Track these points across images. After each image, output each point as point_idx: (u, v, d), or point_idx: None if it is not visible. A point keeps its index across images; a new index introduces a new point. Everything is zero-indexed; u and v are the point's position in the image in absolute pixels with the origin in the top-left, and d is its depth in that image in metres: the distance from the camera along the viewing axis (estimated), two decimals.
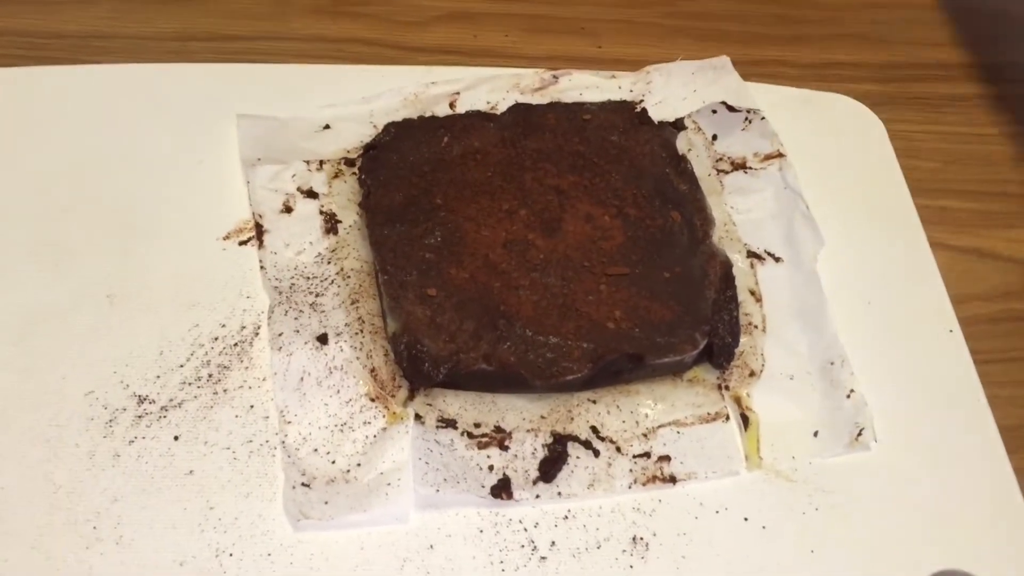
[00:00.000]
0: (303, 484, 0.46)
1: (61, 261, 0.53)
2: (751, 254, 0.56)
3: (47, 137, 0.58)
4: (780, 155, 0.60)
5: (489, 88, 0.63)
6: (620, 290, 0.51)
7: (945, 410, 0.52)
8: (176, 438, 0.47)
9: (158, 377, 0.49)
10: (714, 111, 0.61)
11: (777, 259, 0.56)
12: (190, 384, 0.49)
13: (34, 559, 0.43)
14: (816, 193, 0.58)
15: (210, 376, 0.50)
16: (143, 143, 0.59)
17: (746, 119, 0.61)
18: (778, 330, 0.53)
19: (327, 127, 0.60)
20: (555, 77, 0.64)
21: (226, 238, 0.55)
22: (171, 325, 0.51)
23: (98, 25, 0.67)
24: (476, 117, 0.59)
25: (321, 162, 0.58)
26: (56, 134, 0.58)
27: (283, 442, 0.48)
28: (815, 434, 0.50)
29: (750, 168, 0.60)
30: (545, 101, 0.62)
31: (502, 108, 0.61)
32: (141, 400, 0.48)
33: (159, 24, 0.67)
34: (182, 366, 0.50)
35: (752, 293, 0.55)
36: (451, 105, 0.62)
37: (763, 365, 0.52)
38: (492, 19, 0.71)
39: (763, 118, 0.60)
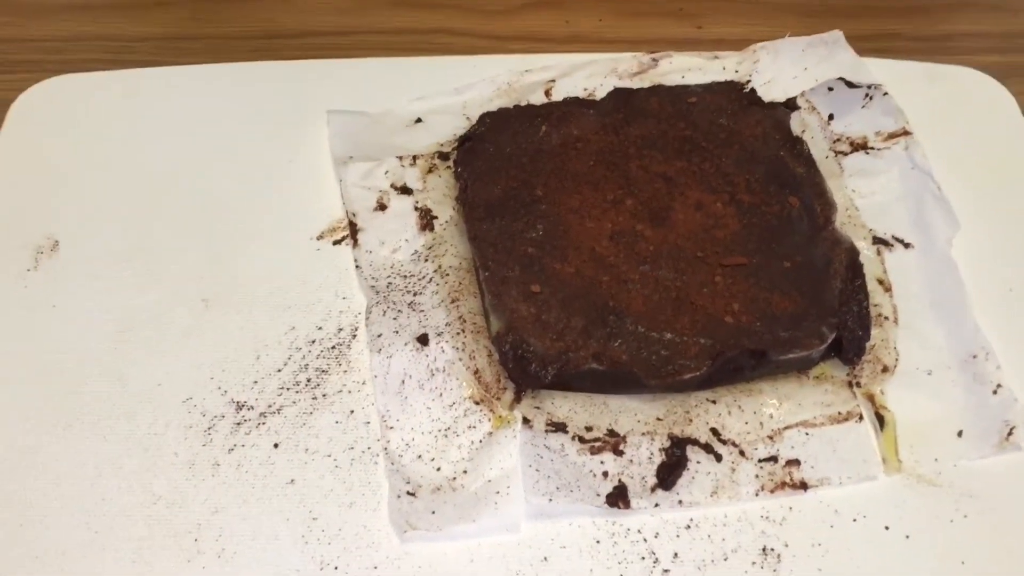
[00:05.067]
0: (408, 493, 0.44)
1: (154, 265, 0.52)
2: (877, 240, 0.52)
3: (136, 140, 0.57)
4: (906, 133, 0.55)
5: (586, 74, 0.60)
6: (737, 281, 0.48)
7: None
8: (276, 445, 0.46)
9: (255, 383, 0.48)
10: (830, 88, 0.57)
11: (907, 245, 0.52)
12: (288, 389, 0.47)
13: (136, 573, 0.42)
14: (946, 172, 0.54)
15: (308, 381, 0.48)
16: (232, 143, 0.57)
17: (866, 95, 0.57)
18: (912, 322, 0.49)
19: (419, 121, 0.58)
20: (655, 60, 0.61)
21: (319, 238, 0.53)
22: (267, 328, 0.49)
23: (182, 27, 0.66)
24: (574, 104, 0.56)
25: (414, 157, 0.56)
26: (145, 137, 0.57)
27: (385, 449, 0.45)
28: (959, 434, 0.46)
29: (872, 148, 0.55)
30: (645, 85, 0.58)
31: (600, 95, 0.58)
32: (239, 407, 0.47)
33: (241, 24, 0.66)
34: (279, 371, 0.48)
35: (880, 282, 0.51)
36: (547, 93, 0.59)
37: (897, 360, 0.48)
38: (583, 4, 0.68)
39: (885, 94, 0.56)
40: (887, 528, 0.44)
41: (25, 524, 0.43)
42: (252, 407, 0.47)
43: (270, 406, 0.47)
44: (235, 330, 0.49)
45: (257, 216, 0.54)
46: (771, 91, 0.58)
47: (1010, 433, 0.45)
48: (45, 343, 0.49)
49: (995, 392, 0.46)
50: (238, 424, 0.46)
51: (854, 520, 0.44)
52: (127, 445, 0.45)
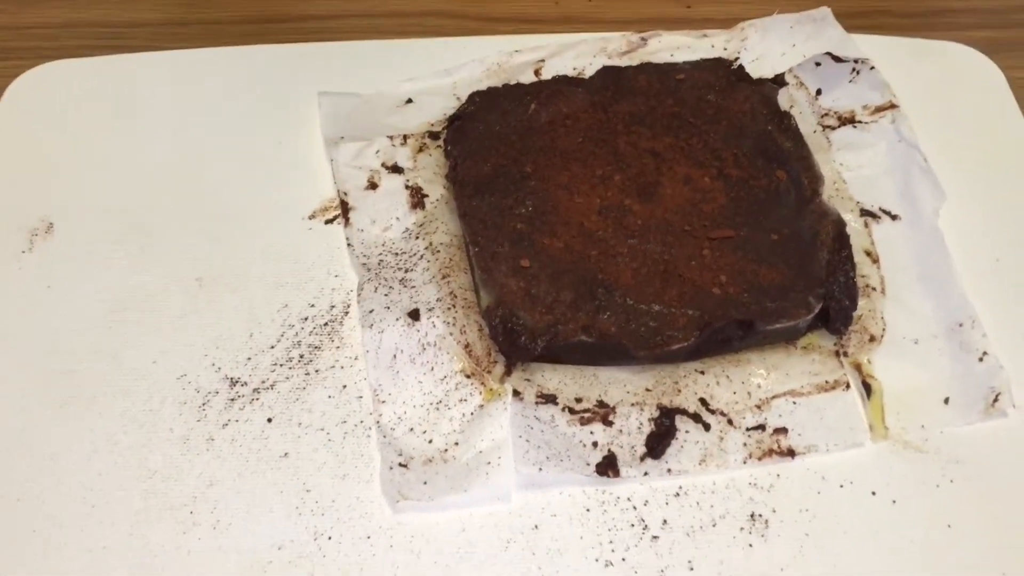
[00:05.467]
0: (400, 465, 0.44)
1: (148, 246, 0.52)
2: (865, 212, 0.53)
3: (130, 124, 0.58)
4: (893, 106, 0.56)
5: (575, 54, 0.61)
6: (725, 254, 0.48)
7: None
8: (269, 420, 0.46)
9: (249, 359, 0.48)
10: (817, 64, 0.57)
11: (894, 217, 0.52)
12: (281, 365, 0.48)
13: (132, 545, 0.42)
14: (933, 146, 0.54)
15: (301, 357, 0.48)
16: (225, 126, 0.58)
17: (853, 70, 0.57)
18: (899, 292, 0.50)
19: (409, 101, 0.58)
20: (643, 39, 0.61)
21: (311, 217, 0.54)
22: (260, 306, 0.50)
23: (175, 12, 0.66)
24: (563, 83, 0.57)
25: (405, 137, 0.56)
26: (139, 121, 0.58)
27: (378, 422, 0.46)
28: (945, 401, 0.46)
29: (859, 122, 0.56)
30: (634, 64, 0.59)
31: (589, 74, 0.58)
32: (233, 383, 0.47)
33: (235, 9, 0.67)
34: (272, 347, 0.48)
35: (868, 254, 0.51)
36: (536, 73, 0.60)
37: (884, 329, 0.49)
38: None
39: (872, 68, 0.56)
40: (874, 493, 0.44)
41: (23, 499, 0.44)
42: (246, 383, 0.47)
43: (263, 382, 0.47)
44: (229, 308, 0.50)
45: (250, 197, 0.54)
46: (760, 68, 0.59)
47: (996, 400, 0.46)
48: (40, 323, 0.49)
49: (981, 360, 0.47)
50: (232, 400, 0.47)
51: (841, 486, 0.44)
52: (123, 421, 0.46)
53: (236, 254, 0.52)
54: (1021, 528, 0.43)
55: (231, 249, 0.52)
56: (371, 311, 0.49)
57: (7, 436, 0.45)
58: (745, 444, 0.45)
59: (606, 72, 0.57)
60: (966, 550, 0.43)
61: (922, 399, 0.47)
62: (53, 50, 0.62)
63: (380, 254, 0.51)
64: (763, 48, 0.60)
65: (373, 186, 0.54)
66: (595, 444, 0.45)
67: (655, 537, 0.43)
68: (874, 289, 0.50)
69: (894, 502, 0.44)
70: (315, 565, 0.42)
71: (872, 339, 0.48)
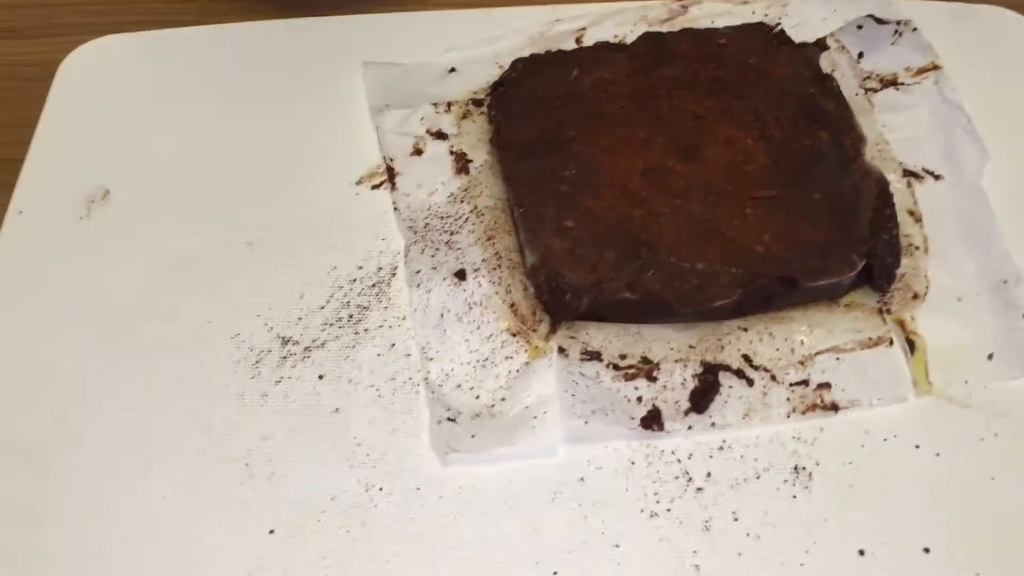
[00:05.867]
0: (449, 419, 0.45)
1: (201, 213, 0.53)
2: (908, 173, 0.53)
3: (180, 96, 0.59)
4: (936, 67, 0.56)
5: (615, 22, 0.61)
6: (768, 213, 0.49)
7: None
8: (321, 377, 0.47)
9: (300, 319, 0.49)
10: (859, 27, 0.57)
11: (937, 177, 0.52)
12: (331, 325, 0.49)
13: (190, 497, 0.44)
14: (976, 107, 0.54)
15: (350, 317, 0.49)
16: (272, 97, 0.59)
17: (896, 32, 0.57)
18: (942, 250, 0.50)
19: (453, 70, 0.59)
20: (684, 7, 0.62)
21: (358, 183, 0.55)
22: (310, 269, 0.51)
23: None
24: (605, 49, 0.57)
25: (449, 104, 0.57)
26: (189, 93, 0.59)
27: (426, 379, 0.47)
28: (989, 357, 0.46)
29: (902, 84, 0.56)
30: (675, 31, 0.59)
31: (630, 41, 0.59)
32: (285, 341, 0.48)
33: None
34: (322, 308, 0.50)
35: (911, 213, 0.51)
36: (577, 41, 0.60)
37: (927, 287, 0.49)
38: None
39: (915, 29, 0.57)
40: (917, 447, 0.44)
41: (85, 448, 0.45)
42: (297, 342, 0.49)
43: (314, 340, 0.49)
44: (280, 271, 0.51)
45: (298, 164, 0.56)
46: (801, 33, 0.59)
47: None
48: (97, 286, 0.51)
49: None
50: (284, 358, 0.48)
51: (884, 440, 0.45)
52: (178, 378, 0.47)
53: (285, 219, 0.53)
54: None
55: (280, 215, 0.53)
56: (418, 271, 0.50)
57: (66, 389, 0.47)
58: (788, 399, 0.46)
59: (647, 37, 0.57)
60: (1009, 502, 0.43)
61: (966, 355, 0.47)
62: (106, 25, 0.64)
63: (426, 217, 0.52)
64: (804, 13, 0.60)
65: (418, 152, 0.55)
66: (639, 399, 0.46)
67: (699, 489, 0.44)
68: (917, 248, 0.50)
69: (937, 455, 0.44)
70: (367, 514, 0.43)
71: (916, 297, 0.48)
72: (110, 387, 0.47)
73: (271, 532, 0.43)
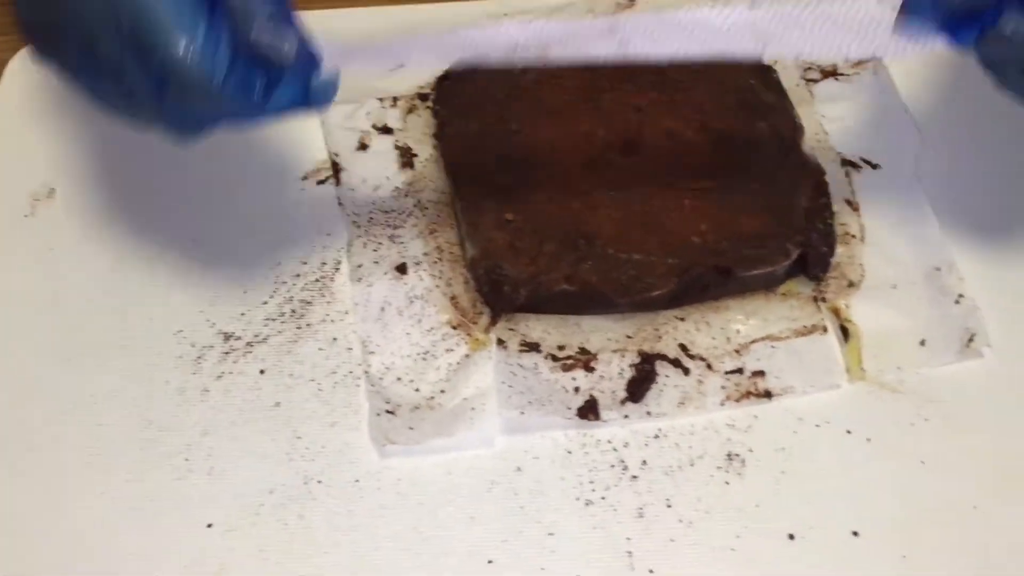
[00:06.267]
0: (388, 411, 0.46)
1: (147, 210, 0.54)
2: (846, 162, 0.53)
3: None
4: (874, 58, 0.56)
5: (563, 16, 0.62)
6: (705, 204, 0.49)
7: None
8: (262, 372, 0.48)
9: (243, 315, 0.50)
10: None
11: (875, 166, 0.53)
12: (274, 320, 0.49)
13: (130, 491, 0.44)
14: (913, 96, 0.55)
15: (293, 312, 0.50)
16: None
17: None
18: (878, 239, 0.51)
19: (400, 66, 0.59)
20: (631, 0, 0.62)
21: (304, 179, 0.55)
22: (254, 264, 0.51)
23: None
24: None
25: (395, 99, 0.57)
26: None
27: (367, 372, 0.47)
28: (922, 343, 0.47)
29: (842, 74, 0.56)
30: None
31: None
32: (227, 337, 0.49)
33: None
34: (265, 303, 0.50)
35: (848, 203, 0.52)
36: None
37: (863, 275, 0.49)
38: None
39: None
40: (849, 432, 0.45)
41: (32, 448, 0.45)
42: (239, 337, 0.49)
43: (256, 336, 0.49)
44: (224, 267, 0.51)
45: (245, 160, 0.56)
46: None
47: (971, 340, 0.47)
48: (44, 283, 0.51)
49: (957, 302, 0.48)
50: (226, 353, 0.48)
51: (817, 426, 0.45)
52: (123, 375, 0.48)
53: (231, 216, 0.53)
54: (992, 463, 0.44)
55: (227, 211, 0.54)
56: (360, 266, 0.50)
57: (16, 390, 0.47)
58: (723, 387, 0.46)
59: None
60: (939, 485, 0.44)
61: (899, 342, 0.47)
62: None
63: (370, 212, 0.53)
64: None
65: (364, 147, 0.55)
66: (577, 389, 0.46)
67: (634, 477, 0.44)
68: (854, 236, 0.51)
69: (869, 440, 0.45)
70: (305, 507, 0.44)
71: (851, 285, 0.49)
72: (51, 384, 0.47)
73: (209, 526, 0.43)
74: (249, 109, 0.38)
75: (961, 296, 0.48)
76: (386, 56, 0.41)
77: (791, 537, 0.42)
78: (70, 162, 0.56)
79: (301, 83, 0.38)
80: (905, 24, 0.38)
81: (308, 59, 0.38)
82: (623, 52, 0.40)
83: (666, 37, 0.40)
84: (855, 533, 0.42)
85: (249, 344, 0.49)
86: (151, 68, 0.36)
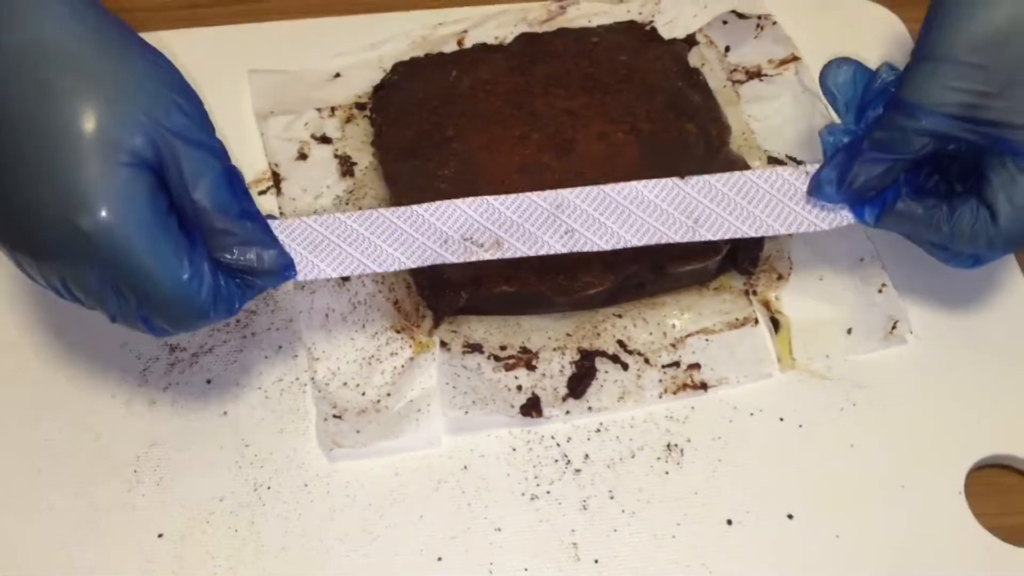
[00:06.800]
0: (335, 416, 0.47)
1: None
2: (772, 160, 0.55)
3: None
4: (795, 59, 0.58)
5: (496, 24, 0.63)
6: None
7: (983, 297, 0.51)
8: (209, 382, 0.48)
9: None
10: (724, 22, 0.60)
11: (799, 163, 0.55)
12: (219, 331, 0.50)
13: (78, 505, 0.44)
14: None
15: (238, 321, 0.50)
16: None
17: (758, 26, 0.60)
18: (805, 233, 0.52)
19: (337, 75, 0.60)
20: (562, 8, 0.64)
21: None
22: None
23: (108, 4, 0.67)
24: (483, 50, 0.59)
25: (333, 108, 0.58)
26: None
27: (313, 378, 0.48)
28: (848, 332, 0.49)
29: (765, 75, 0.58)
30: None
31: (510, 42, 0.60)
32: (173, 348, 0.49)
33: None
34: None
35: None
36: (459, 43, 0.62)
37: (791, 268, 0.51)
38: None
39: (775, 23, 0.59)
40: (781, 420, 0.47)
41: None
42: (185, 348, 0.49)
43: (202, 347, 0.49)
44: None
45: None
46: (673, 30, 0.61)
47: (894, 327, 0.49)
48: None
49: (880, 291, 0.50)
50: (172, 364, 0.49)
51: (751, 414, 0.47)
52: (67, 389, 0.48)
53: None
54: (917, 444, 0.46)
55: None
56: None
57: None
58: (661, 380, 0.48)
59: (524, 38, 0.59)
60: (868, 466, 0.46)
61: (827, 331, 0.49)
62: None
63: None
64: (676, 11, 0.62)
65: (303, 156, 0.56)
66: (519, 387, 0.48)
67: (577, 471, 0.46)
68: None
69: (800, 426, 0.47)
70: (255, 513, 0.44)
71: (780, 277, 0.51)
72: (0, 403, 0.47)
73: (160, 536, 0.44)
74: (228, 316, 0.39)
75: (884, 285, 0.50)
76: (349, 252, 0.43)
77: (729, 523, 0.44)
78: None
79: (274, 283, 0.41)
80: (813, 200, 0.43)
81: (284, 266, 0.40)
82: (569, 246, 0.43)
83: (604, 217, 0.43)
84: (790, 516, 0.44)
85: (195, 355, 0.49)
86: (138, 307, 0.37)
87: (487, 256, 0.43)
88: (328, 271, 0.42)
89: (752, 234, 0.43)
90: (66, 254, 0.36)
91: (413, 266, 0.43)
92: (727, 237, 0.43)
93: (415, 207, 0.43)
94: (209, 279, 0.38)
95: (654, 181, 0.44)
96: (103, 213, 0.35)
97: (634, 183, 0.44)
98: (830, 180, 0.42)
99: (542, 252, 0.43)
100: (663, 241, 0.43)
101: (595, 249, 0.43)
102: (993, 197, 0.40)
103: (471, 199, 0.44)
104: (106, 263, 0.36)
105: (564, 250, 0.43)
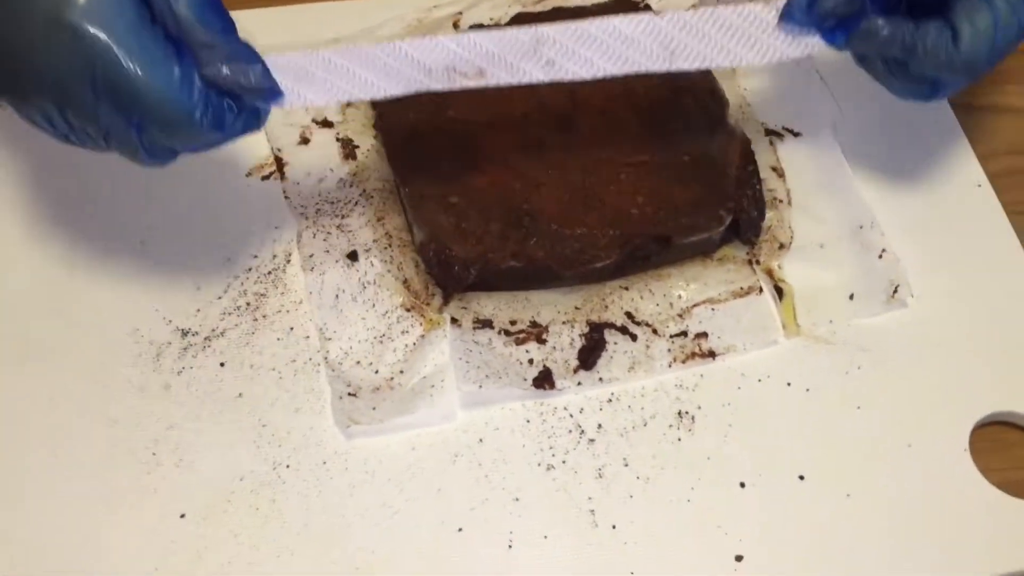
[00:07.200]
0: (350, 394, 0.47)
1: (93, 212, 0.54)
2: (769, 132, 0.56)
3: None
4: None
5: (491, 5, 0.63)
6: (641, 177, 0.52)
7: (981, 259, 0.52)
8: (222, 365, 0.48)
9: (198, 310, 0.50)
10: None
11: (796, 134, 0.56)
12: (230, 314, 0.50)
13: (100, 489, 0.45)
14: (827, 67, 0.58)
15: (248, 304, 0.51)
16: None
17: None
18: (804, 202, 0.53)
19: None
20: None
21: (248, 175, 0.56)
22: (205, 261, 0.52)
23: None
24: (480, 30, 0.59)
25: None
26: None
27: (325, 358, 0.48)
28: (851, 297, 0.50)
29: None
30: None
31: (505, 22, 0.61)
32: (184, 333, 0.49)
33: None
34: (220, 298, 0.51)
35: (774, 169, 0.55)
36: (455, 25, 0.62)
37: (792, 237, 0.52)
38: None
39: None
40: (789, 384, 0.48)
41: None
42: (197, 333, 0.50)
43: (214, 330, 0.50)
44: (175, 265, 0.52)
45: (187, 161, 0.56)
46: (667, 4, 0.62)
47: (895, 291, 0.50)
48: None
49: (880, 257, 0.51)
50: (185, 349, 0.49)
51: (759, 380, 0.48)
52: (80, 375, 0.48)
53: (178, 216, 0.54)
54: (922, 404, 0.47)
55: (173, 211, 0.54)
56: (311, 256, 0.51)
57: None
58: (669, 350, 0.49)
59: (520, 17, 0.59)
60: (874, 427, 0.47)
61: (829, 297, 0.50)
62: None
63: (317, 203, 0.54)
64: None
65: (305, 141, 0.56)
66: (531, 361, 0.48)
67: (591, 440, 0.46)
68: (781, 201, 0.53)
69: (808, 391, 0.48)
70: (276, 491, 0.45)
71: (782, 246, 0.52)
72: (10, 389, 0.47)
73: (182, 516, 0.44)
74: (220, 138, 0.40)
75: (884, 251, 0.51)
76: (334, 82, 0.43)
77: (742, 485, 0.45)
78: (11, 166, 0.56)
79: (261, 109, 0.41)
80: (785, 28, 0.43)
81: (270, 87, 0.40)
82: (550, 75, 0.44)
83: (583, 48, 0.44)
84: (801, 477, 0.45)
85: (207, 339, 0.49)
86: (130, 113, 0.38)
87: (471, 84, 0.44)
88: (315, 99, 0.42)
89: (727, 65, 0.44)
90: (56, 62, 0.36)
91: (398, 93, 0.43)
92: (703, 67, 0.44)
93: (398, 42, 0.43)
94: (199, 83, 0.38)
95: (631, 15, 0.44)
96: (82, 1, 0.36)
97: (611, 17, 0.44)
98: (800, 5, 0.43)
99: (524, 81, 0.44)
100: (641, 71, 0.44)
101: (576, 78, 0.44)
102: (957, 19, 0.42)
103: (453, 35, 0.44)
104: (95, 60, 0.36)
105: (546, 79, 0.44)
